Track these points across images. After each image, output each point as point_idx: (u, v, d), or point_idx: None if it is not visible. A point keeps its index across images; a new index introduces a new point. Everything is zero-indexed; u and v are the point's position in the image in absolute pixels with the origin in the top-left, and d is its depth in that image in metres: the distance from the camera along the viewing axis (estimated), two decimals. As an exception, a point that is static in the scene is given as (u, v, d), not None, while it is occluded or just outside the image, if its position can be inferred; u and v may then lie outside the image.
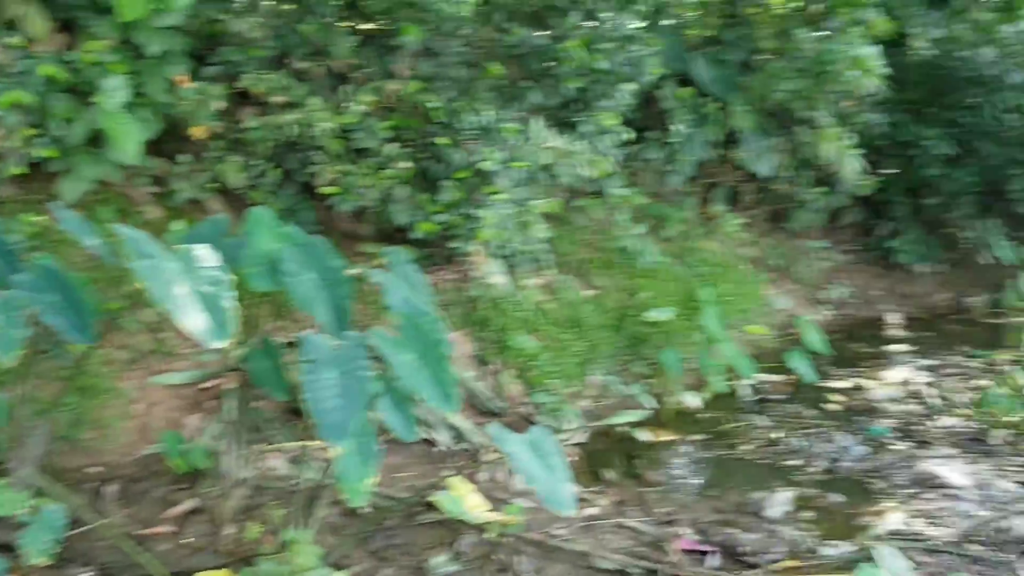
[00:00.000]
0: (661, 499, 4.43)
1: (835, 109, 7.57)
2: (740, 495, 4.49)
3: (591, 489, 4.46)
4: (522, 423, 4.95)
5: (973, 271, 8.90)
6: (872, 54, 7.12)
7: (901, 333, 7.83)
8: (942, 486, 4.64)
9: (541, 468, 2.96)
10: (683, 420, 5.48)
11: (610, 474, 4.67)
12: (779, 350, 6.77)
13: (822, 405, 5.89)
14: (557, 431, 4.87)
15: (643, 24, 6.00)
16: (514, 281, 5.58)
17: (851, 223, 8.92)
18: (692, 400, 5.66)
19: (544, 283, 5.83)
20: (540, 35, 5.47)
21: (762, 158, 7.23)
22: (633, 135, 6.11)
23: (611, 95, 5.61)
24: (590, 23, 5.67)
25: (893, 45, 8.25)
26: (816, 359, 6.06)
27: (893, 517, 4.29)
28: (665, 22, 7.12)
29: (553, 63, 5.43)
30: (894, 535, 4.11)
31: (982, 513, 4.31)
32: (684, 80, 7.11)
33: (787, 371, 6.06)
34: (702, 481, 4.72)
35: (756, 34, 7.53)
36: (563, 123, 5.54)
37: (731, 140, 7.32)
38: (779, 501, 4.40)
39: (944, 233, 8.95)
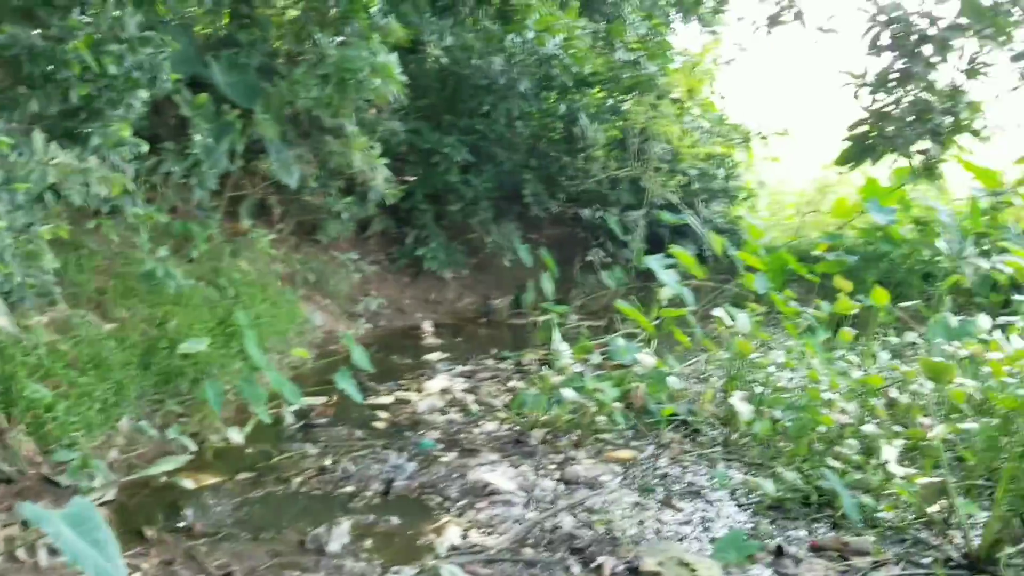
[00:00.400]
0: (213, 551, 4.31)
1: (360, 117, 7.89)
2: (298, 533, 4.50)
3: (133, 551, 4.21)
4: (42, 487, 4.54)
5: (496, 274, 9.82)
6: (392, 61, 7.52)
7: (436, 341, 8.41)
8: (493, 493, 5.07)
9: (88, 546, 2.77)
10: (228, 458, 5.37)
11: (153, 531, 4.45)
12: (320, 370, 6.93)
13: (370, 424, 6.12)
14: (85, 491, 4.53)
15: (142, 19, 5.72)
16: (17, 321, 5.07)
17: (379, 232, 9.38)
18: (236, 435, 5.56)
19: (55, 320, 5.38)
20: (36, 34, 5.03)
21: (289, 168, 7.32)
22: (148, 147, 5.85)
23: (123, 103, 5.33)
24: (88, 19, 5.32)
25: (410, 52, 8.83)
26: (358, 376, 6.30)
27: (451, 532, 4.58)
28: (171, 20, 6.92)
29: (53, 67, 5.02)
30: (454, 550, 4.40)
31: (531, 515, 4.79)
32: (201, 85, 6.96)
33: (330, 392, 6.24)
34: (256, 524, 4.67)
35: (273, 37, 7.62)
36: (70, 135, 5.14)
37: (257, 150, 7.32)
38: (339, 534, 4.48)
39: (467, 238, 9.77)
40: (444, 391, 6.92)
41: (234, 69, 7.16)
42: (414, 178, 9.13)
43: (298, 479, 5.17)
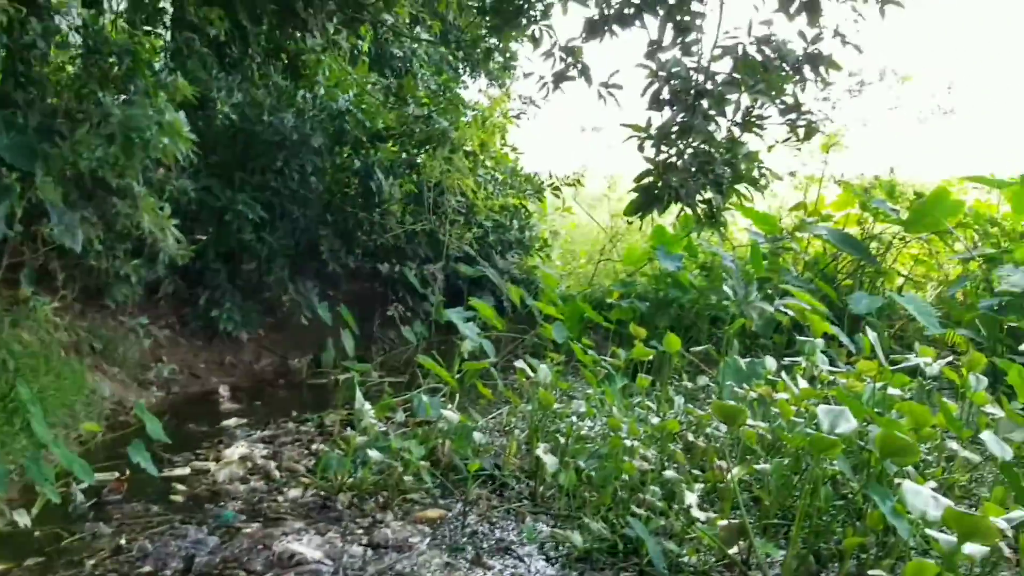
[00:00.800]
0: (1, 646, 4.15)
1: (147, 177, 7.76)
2: (93, 620, 4.39)
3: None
4: None
5: (295, 333, 9.77)
6: (180, 119, 7.46)
7: (234, 406, 8.28)
8: (300, 563, 5.04)
9: None
10: (14, 544, 5.12)
11: (-68, 630, 4.23)
12: (112, 443, 6.73)
13: (167, 498, 5.98)
14: None
15: None
16: None
17: (170, 294, 9.17)
18: (22, 518, 5.31)
19: None
20: None
21: (73, 232, 7.08)
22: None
23: None
24: None
25: (199, 109, 8.75)
26: (153, 447, 6.15)
27: (257, 606, 4.57)
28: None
29: None
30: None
31: (340, 583, 4.83)
32: (-28, 148, 6.68)
33: (123, 466, 6.07)
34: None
35: (52, 95, 7.40)
36: None
37: (37, 213, 7.06)
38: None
39: (264, 297, 9.68)
40: (244, 458, 6.81)
41: (11, 130, 6.89)
42: (206, 237, 9.01)
43: (91, 561, 4.99)
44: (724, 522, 5.17)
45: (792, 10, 6.16)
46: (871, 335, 7.49)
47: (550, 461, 5.95)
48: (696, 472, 6.09)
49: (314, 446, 7.18)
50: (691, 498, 5.36)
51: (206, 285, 9.33)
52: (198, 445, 7.09)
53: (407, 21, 10.58)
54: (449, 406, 7.12)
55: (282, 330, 9.83)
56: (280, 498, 6.09)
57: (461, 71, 13.50)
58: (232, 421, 7.78)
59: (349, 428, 7.18)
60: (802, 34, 6.29)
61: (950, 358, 7.63)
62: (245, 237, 9.33)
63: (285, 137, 9.70)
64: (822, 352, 7.66)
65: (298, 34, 8.86)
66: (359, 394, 6.84)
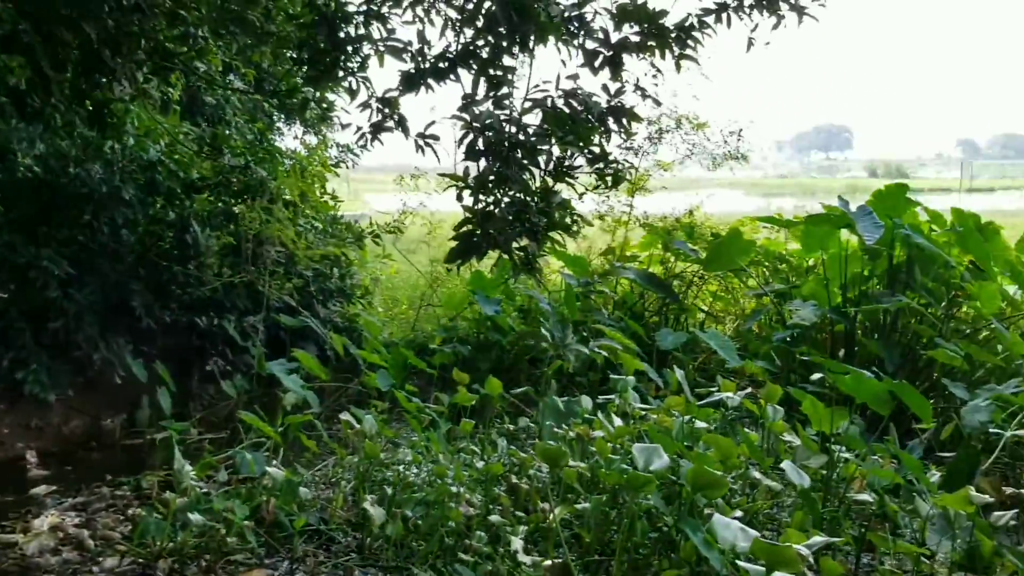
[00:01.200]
0: None
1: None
2: None
3: None
4: None
5: (107, 392, 9.22)
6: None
7: (42, 472, 7.76)
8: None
9: None
10: None
11: None
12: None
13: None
14: None
15: None
16: None
17: (-29, 356, 8.52)
18: None
19: None
20: None
21: None
22: None
23: None
24: None
25: (-1, 162, 8.22)
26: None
27: None
28: None
29: None
30: None
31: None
32: None
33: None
34: None
35: None
36: None
37: None
38: None
39: (73, 356, 9.10)
40: (55, 528, 6.36)
41: None
42: (7, 296, 8.42)
43: None
44: (548, 563, 5.17)
45: (596, 65, 6.33)
46: (678, 372, 7.74)
47: (377, 512, 5.81)
48: (520, 514, 6.06)
49: (131, 511, 6.77)
50: (517, 542, 5.34)
51: (9, 346, 8.69)
52: (4, 516, 6.61)
53: (220, 69, 10.24)
54: (273, 461, 6.85)
55: (94, 390, 9.25)
56: (95, 569, 5.75)
57: (276, 119, 13.20)
58: (41, 488, 7.27)
59: (168, 490, 6.80)
60: (606, 88, 6.46)
61: (749, 389, 7.92)
62: (51, 294, 8.76)
63: (93, 189, 9.20)
64: (633, 388, 7.83)
65: (104, 81, 8.43)
66: (177, 453, 6.50)
